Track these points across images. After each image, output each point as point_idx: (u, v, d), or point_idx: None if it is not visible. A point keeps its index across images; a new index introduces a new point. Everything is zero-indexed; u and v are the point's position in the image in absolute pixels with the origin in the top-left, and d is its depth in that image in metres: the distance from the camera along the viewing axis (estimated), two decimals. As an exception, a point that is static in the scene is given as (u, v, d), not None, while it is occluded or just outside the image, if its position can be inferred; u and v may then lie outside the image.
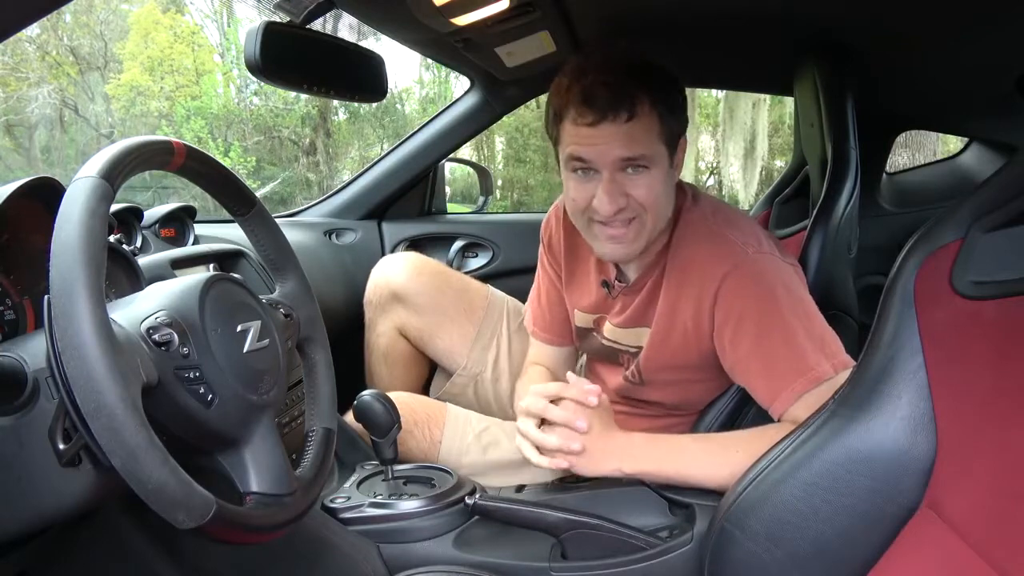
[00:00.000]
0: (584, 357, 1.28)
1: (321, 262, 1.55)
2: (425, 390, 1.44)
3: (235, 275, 0.75)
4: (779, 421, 0.88)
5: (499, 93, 1.66)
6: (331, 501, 0.94)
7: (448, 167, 1.99)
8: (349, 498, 0.94)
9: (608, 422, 0.93)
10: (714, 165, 9.47)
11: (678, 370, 1.00)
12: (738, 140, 7.85)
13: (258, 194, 0.77)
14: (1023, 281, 0.55)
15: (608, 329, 1.09)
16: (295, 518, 0.64)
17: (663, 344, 0.99)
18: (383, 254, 1.73)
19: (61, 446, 0.53)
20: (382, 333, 1.38)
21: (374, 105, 9.10)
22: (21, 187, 0.65)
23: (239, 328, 0.64)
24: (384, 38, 1.30)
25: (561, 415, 0.91)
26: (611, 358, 1.12)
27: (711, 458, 0.87)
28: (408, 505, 0.92)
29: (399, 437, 0.97)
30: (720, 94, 8.45)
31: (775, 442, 0.72)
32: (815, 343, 0.87)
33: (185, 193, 6.39)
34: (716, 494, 0.82)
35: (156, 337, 0.57)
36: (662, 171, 0.91)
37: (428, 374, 1.46)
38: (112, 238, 0.98)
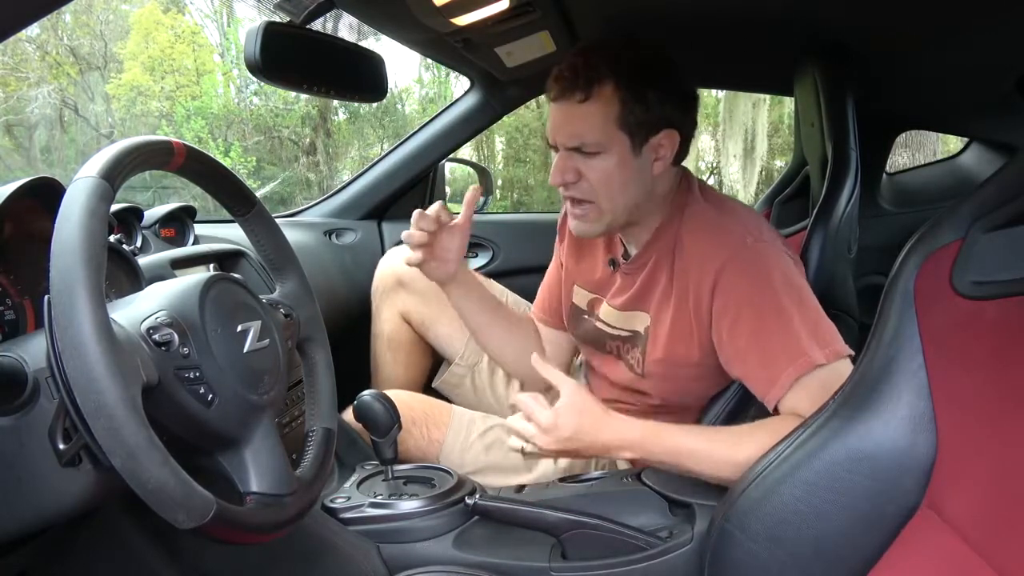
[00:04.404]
0: (578, 359, 1.29)
1: (321, 262, 1.55)
2: (430, 379, 1.45)
3: (235, 275, 0.75)
4: (774, 412, 0.89)
5: (499, 93, 1.66)
6: (331, 501, 0.94)
7: (448, 167, 1.99)
8: (349, 498, 0.94)
9: (597, 412, 0.92)
10: (714, 165, 9.48)
11: (678, 364, 1.00)
12: (738, 140, 7.85)
13: (258, 194, 0.77)
14: (1023, 281, 0.55)
15: (604, 311, 1.10)
16: (295, 518, 0.64)
17: (662, 331, 1.00)
18: (383, 254, 1.73)
19: (61, 446, 0.53)
20: (386, 319, 1.40)
21: (374, 105, 9.09)
22: (21, 187, 0.65)
23: (239, 328, 0.64)
24: (384, 38, 1.30)
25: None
26: (599, 344, 1.13)
27: (711, 446, 0.86)
28: (408, 505, 0.92)
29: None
30: (720, 94, 8.45)
31: (780, 431, 0.72)
32: (808, 329, 0.87)
33: (185, 193, 6.39)
34: (716, 494, 0.82)
35: (156, 337, 0.57)
36: (618, 157, 0.93)
37: (431, 363, 1.47)
38: (112, 238, 0.98)
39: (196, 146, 0.66)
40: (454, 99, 1.75)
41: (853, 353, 0.87)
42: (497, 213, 2.13)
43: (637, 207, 0.98)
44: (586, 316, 1.15)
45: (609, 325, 1.09)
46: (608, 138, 0.91)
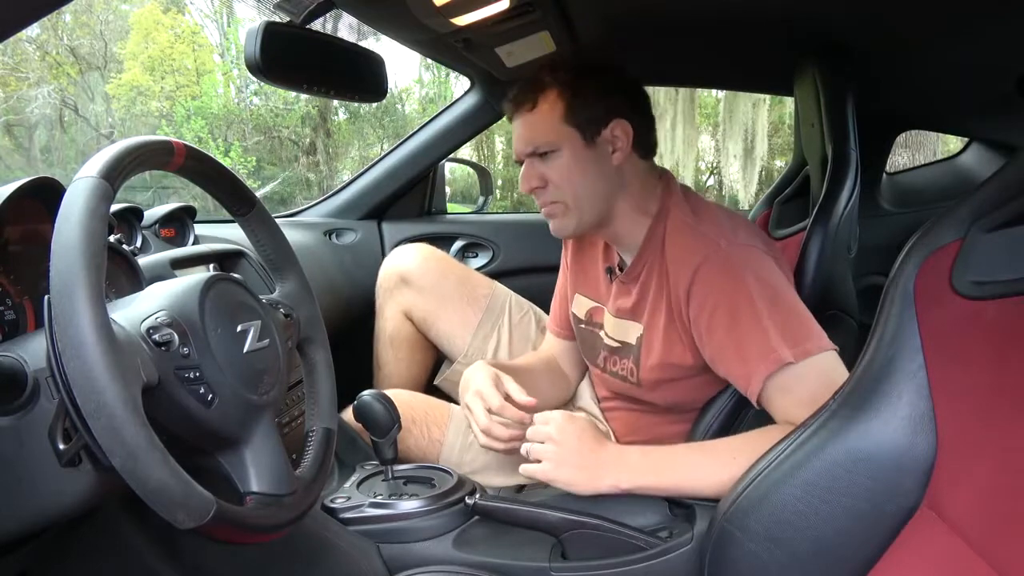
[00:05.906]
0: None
1: (321, 262, 1.55)
2: (431, 377, 1.46)
3: (235, 275, 0.75)
4: (758, 406, 0.89)
5: (499, 93, 1.66)
6: (331, 501, 0.94)
7: (448, 167, 1.99)
8: (349, 498, 0.94)
9: (598, 437, 0.92)
10: (714, 165, 9.48)
11: (672, 368, 1.00)
12: (738, 140, 7.85)
13: (258, 194, 0.77)
14: (1023, 281, 0.55)
15: (606, 320, 1.11)
16: (295, 518, 0.64)
17: (655, 338, 1.00)
18: (383, 254, 1.73)
19: (61, 446, 0.53)
20: (389, 317, 1.42)
21: (374, 105, 9.10)
22: (21, 187, 0.65)
23: (239, 328, 0.64)
24: (384, 38, 1.30)
25: (484, 423, 0.99)
26: (591, 356, 1.13)
27: (709, 466, 0.86)
28: (408, 505, 0.92)
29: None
30: (720, 94, 8.45)
31: (772, 443, 0.72)
32: (778, 327, 0.87)
33: (185, 193, 6.40)
34: (716, 495, 0.82)
35: (156, 337, 0.57)
36: (573, 152, 0.98)
37: (433, 361, 1.47)
38: (112, 238, 0.97)
39: (196, 146, 0.66)
40: (454, 99, 1.75)
41: (835, 348, 0.88)
42: (497, 213, 2.13)
43: (606, 201, 1.00)
44: (583, 325, 1.15)
45: (607, 335, 1.10)
46: (558, 136, 0.97)
